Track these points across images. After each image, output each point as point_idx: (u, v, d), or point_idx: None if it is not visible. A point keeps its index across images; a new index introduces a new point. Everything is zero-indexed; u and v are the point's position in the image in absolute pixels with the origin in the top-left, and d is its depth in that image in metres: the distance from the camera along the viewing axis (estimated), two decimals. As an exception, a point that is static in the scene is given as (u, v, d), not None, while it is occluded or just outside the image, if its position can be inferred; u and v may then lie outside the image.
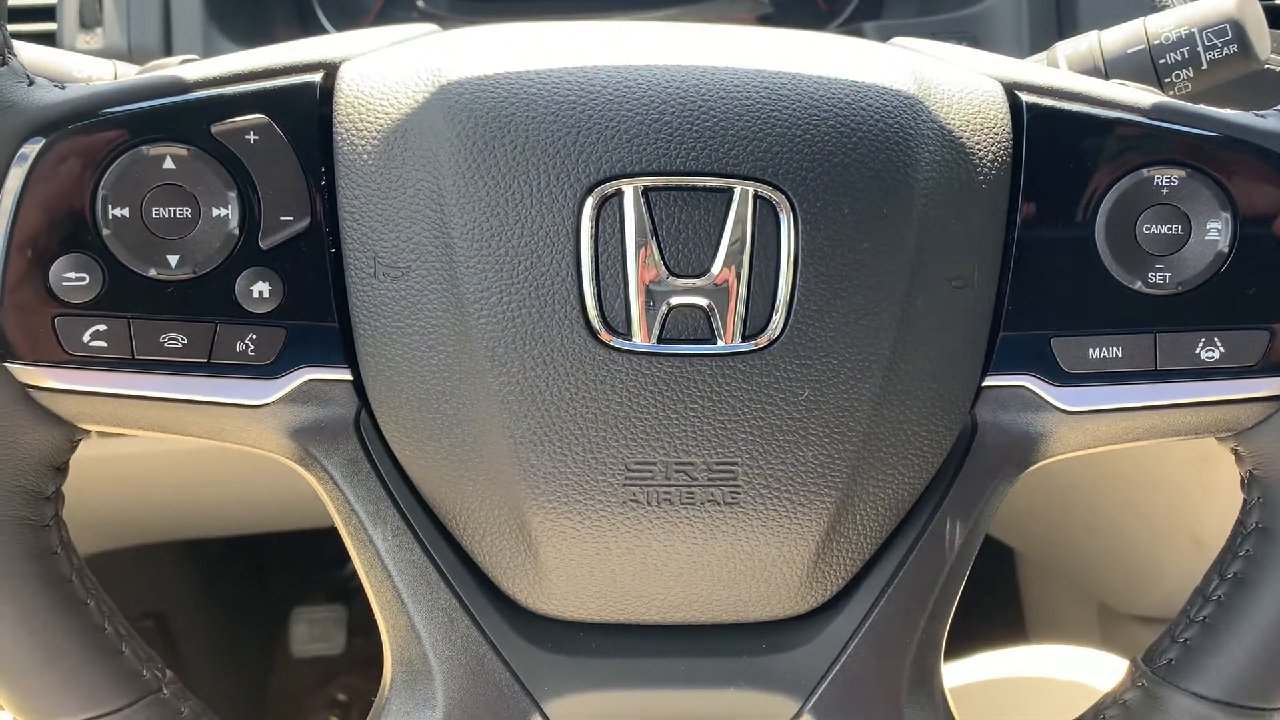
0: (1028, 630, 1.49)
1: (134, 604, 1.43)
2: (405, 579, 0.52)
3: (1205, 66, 0.63)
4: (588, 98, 0.49)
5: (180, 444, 1.09)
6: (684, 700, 0.54)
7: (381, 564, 0.52)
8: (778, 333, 0.50)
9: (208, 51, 0.89)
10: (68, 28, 0.90)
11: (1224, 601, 0.56)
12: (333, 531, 0.54)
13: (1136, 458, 1.12)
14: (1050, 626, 1.45)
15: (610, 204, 0.49)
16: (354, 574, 0.54)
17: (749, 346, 0.50)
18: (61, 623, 0.51)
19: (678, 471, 0.50)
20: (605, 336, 0.49)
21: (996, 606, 1.50)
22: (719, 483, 0.51)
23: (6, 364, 0.49)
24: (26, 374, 0.50)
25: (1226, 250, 0.53)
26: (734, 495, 0.51)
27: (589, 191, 0.49)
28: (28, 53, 0.60)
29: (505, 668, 0.52)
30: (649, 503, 0.51)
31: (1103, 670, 0.88)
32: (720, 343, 0.50)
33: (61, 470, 0.53)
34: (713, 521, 0.51)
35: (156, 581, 1.51)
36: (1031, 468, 0.56)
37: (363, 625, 1.67)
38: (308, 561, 1.70)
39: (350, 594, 1.69)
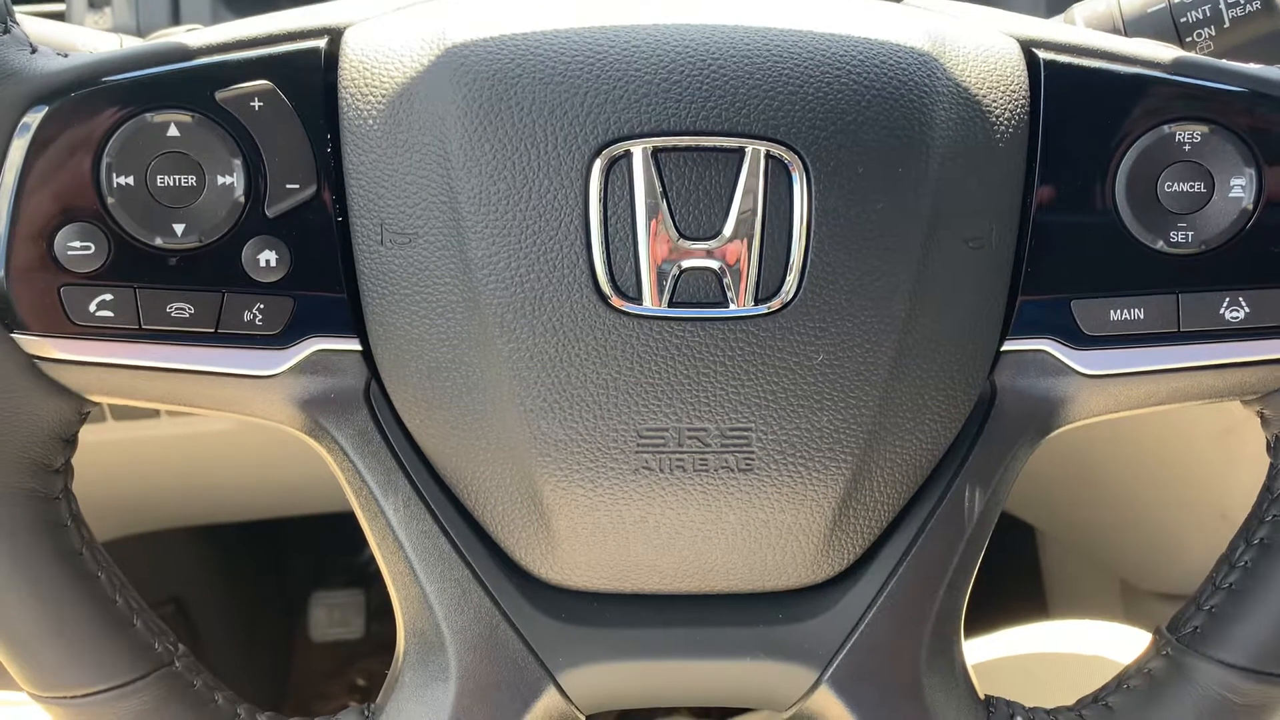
0: (1049, 609, 1.48)
1: (153, 589, 1.43)
2: (417, 550, 0.52)
3: (1228, 24, 0.62)
4: (595, 58, 0.48)
5: (197, 428, 1.10)
6: (699, 670, 0.54)
7: (393, 535, 0.52)
8: (791, 295, 0.49)
9: (216, 30, 0.88)
10: (76, 8, 0.89)
11: (1250, 568, 0.55)
12: (351, 516, 0.53)
13: (1160, 431, 1.11)
14: (1072, 604, 1.44)
15: (619, 166, 0.48)
16: (373, 559, 0.54)
17: (762, 310, 0.49)
18: (72, 595, 0.51)
19: (690, 438, 0.50)
20: (615, 301, 0.49)
21: (1018, 585, 1.48)
22: (732, 449, 0.50)
23: (13, 335, 0.49)
24: (33, 345, 0.49)
25: (1251, 207, 0.51)
26: (748, 461, 0.50)
27: (597, 153, 0.48)
28: (32, 27, 0.59)
29: (519, 638, 0.52)
30: (661, 470, 0.50)
31: (1125, 644, 0.87)
32: (733, 306, 0.49)
33: (70, 443, 0.53)
34: (726, 488, 0.50)
35: (175, 567, 1.51)
36: (1053, 433, 0.55)
37: (382, 610, 1.67)
38: (326, 546, 1.70)
39: (369, 579, 1.69)
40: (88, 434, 0.54)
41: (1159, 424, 1.09)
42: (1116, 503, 1.24)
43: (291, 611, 1.69)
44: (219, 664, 1.47)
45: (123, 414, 1.04)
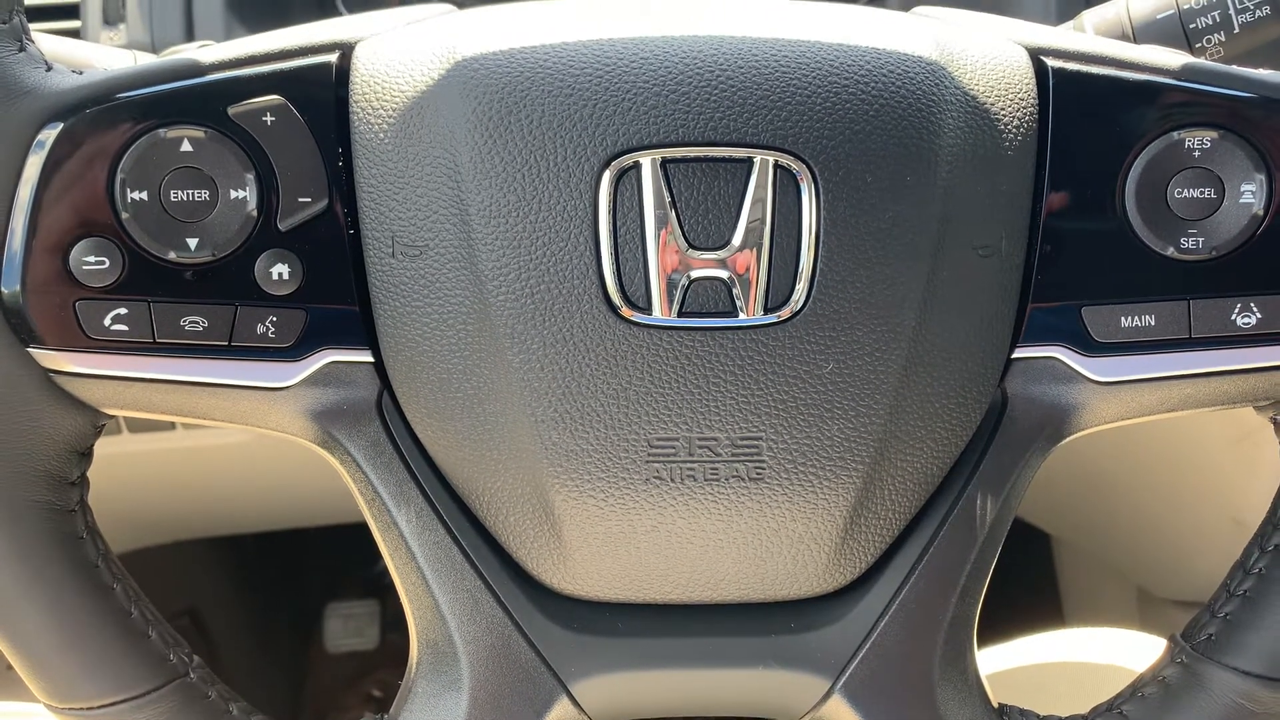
0: (1065, 617, 1.47)
1: (169, 601, 1.44)
2: (429, 560, 0.52)
3: (1237, 30, 0.62)
4: (604, 70, 0.49)
5: (213, 440, 1.10)
6: (712, 680, 0.54)
7: (406, 546, 0.52)
8: (800, 305, 0.49)
9: (229, 45, 0.89)
10: (91, 25, 0.90)
11: (1265, 574, 0.55)
12: (366, 527, 0.54)
13: (1174, 438, 1.10)
14: (1088, 613, 1.43)
15: (628, 177, 0.48)
16: (387, 570, 0.54)
17: (771, 319, 0.49)
18: (88, 606, 0.51)
19: (701, 447, 0.50)
20: (625, 311, 0.49)
21: (1033, 594, 1.48)
22: (743, 458, 0.50)
23: (29, 349, 0.50)
24: (49, 359, 0.50)
25: (1262, 213, 0.51)
26: (759, 471, 0.50)
27: (606, 165, 0.48)
28: (48, 44, 0.60)
29: (531, 649, 0.52)
30: (672, 479, 0.50)
31: (1140, 651, 0.87)
32: (742, 316, 0.49)
33: (86, 455, 0.53)
34: (737, 498, 0.51)
35: (191, 578, 1.52)
36: (1064, 441, 0.55)
37: (396, 621, 1.67)
38: (341, 557, 1.70)
39: (384, 589, 1.69)
40: (103, 446, 0.54)
41: (1173, 431, 1.09)
42: (1131, 510, 1.24)
43: (306, 622, 1.70)
44: (234, 675, 1.47)
45: (138, 427, 1.04)
